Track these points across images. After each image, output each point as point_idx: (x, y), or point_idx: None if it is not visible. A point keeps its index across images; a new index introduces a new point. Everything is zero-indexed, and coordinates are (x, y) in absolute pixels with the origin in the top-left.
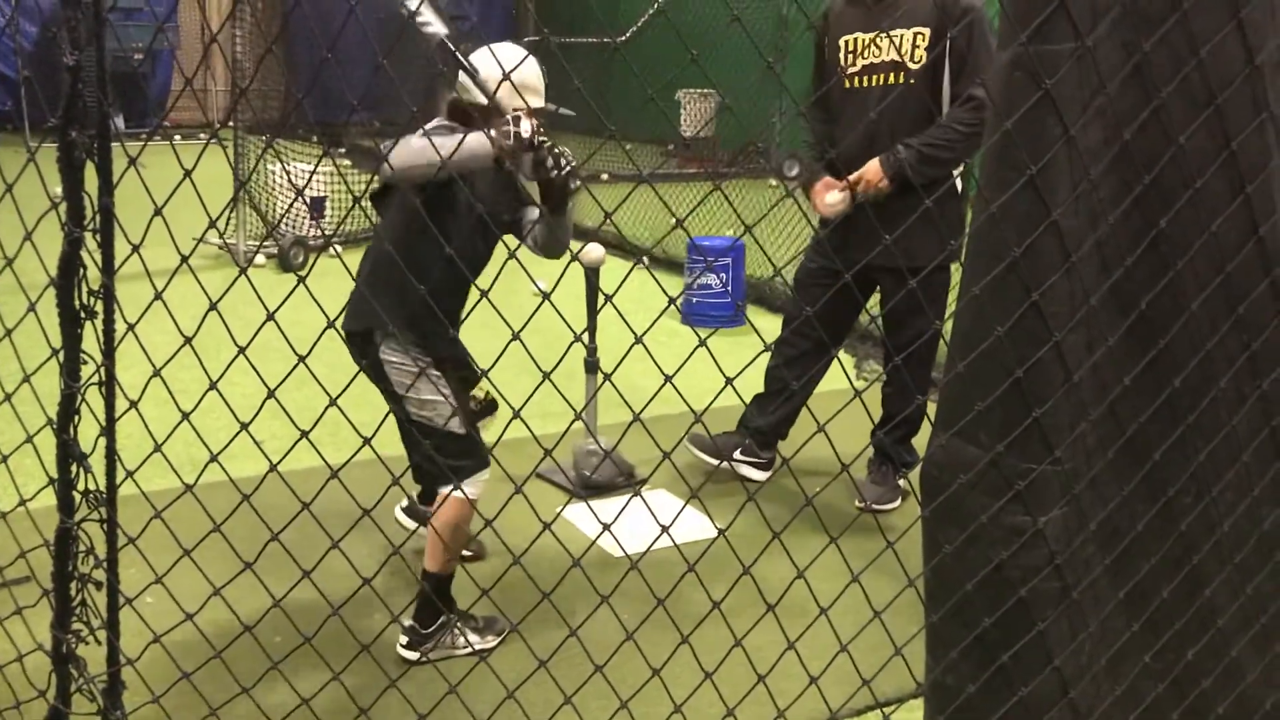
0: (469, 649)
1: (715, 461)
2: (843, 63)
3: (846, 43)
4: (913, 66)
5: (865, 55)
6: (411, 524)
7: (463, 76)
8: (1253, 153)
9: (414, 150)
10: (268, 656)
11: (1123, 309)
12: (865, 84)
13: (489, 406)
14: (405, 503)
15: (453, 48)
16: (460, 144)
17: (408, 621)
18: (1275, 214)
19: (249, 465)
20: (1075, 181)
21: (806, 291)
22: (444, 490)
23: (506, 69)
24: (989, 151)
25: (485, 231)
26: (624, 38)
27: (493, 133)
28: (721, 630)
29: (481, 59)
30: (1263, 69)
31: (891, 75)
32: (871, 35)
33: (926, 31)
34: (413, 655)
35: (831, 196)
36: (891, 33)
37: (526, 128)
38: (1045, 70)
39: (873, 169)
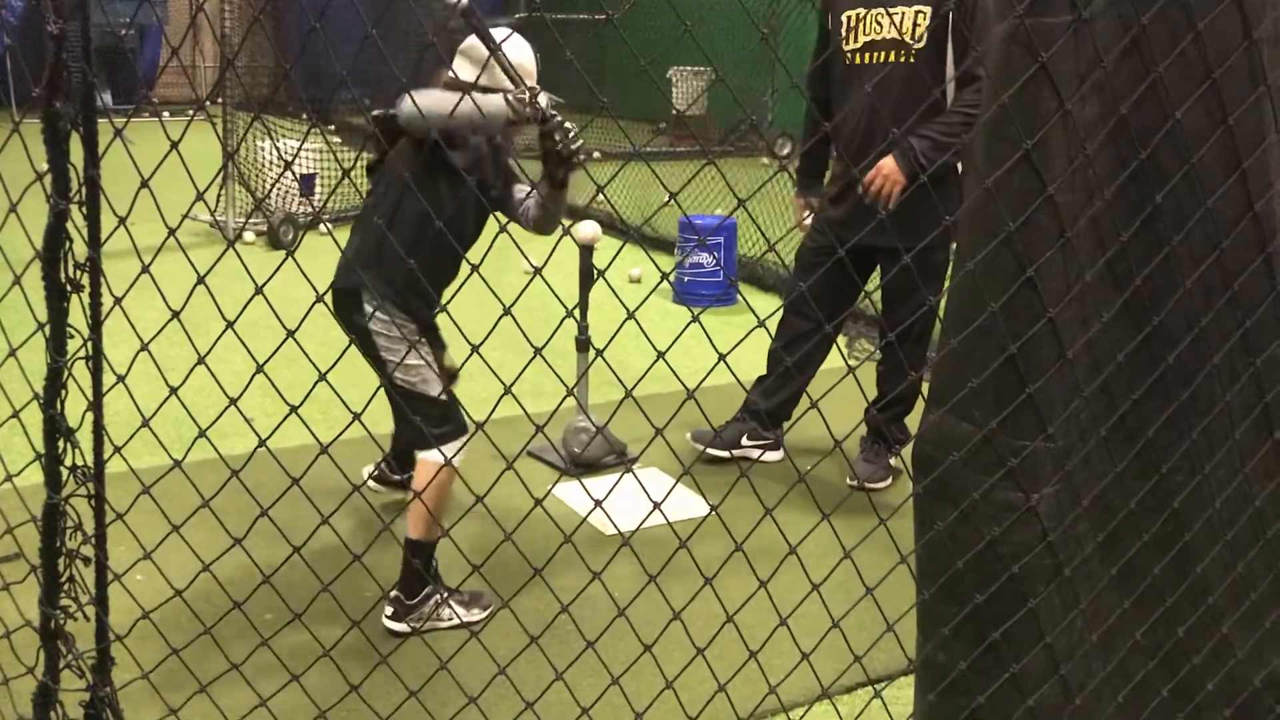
0: (454, 622)
1: (726, 454)
2: (844, 39)
3: (848, 18)
4: (914, 45)
5: (866, 32)
6: (380, 488)
7: (462, 55)
8: (1249, 128)
9: (436, 100)
10: (257, 633)
11: (1117, 285)
12: (866, 60)
13: (450, 376)
14: (373, 469)
15: (476, 21)
16: (479, 103)
17: (393, 593)
18: (1271, 190)
19: (239, 443)
20: (1071, 156)
21: (807, 271)
22: (424, 456)
23: (505, 50)
24: (984, 126)
25: (475, 207)
26: (618, 14)
27: (510, 98)
28: (713, 607)
29: (474, 41)
30: (1260, 44)
31: (892, 53)
32: (873, 12)
33: (928, 10)
34: (398, 626)
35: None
36: (891, 10)
37: (544, 99)
38: (1041, 43)
39: (891, 170)
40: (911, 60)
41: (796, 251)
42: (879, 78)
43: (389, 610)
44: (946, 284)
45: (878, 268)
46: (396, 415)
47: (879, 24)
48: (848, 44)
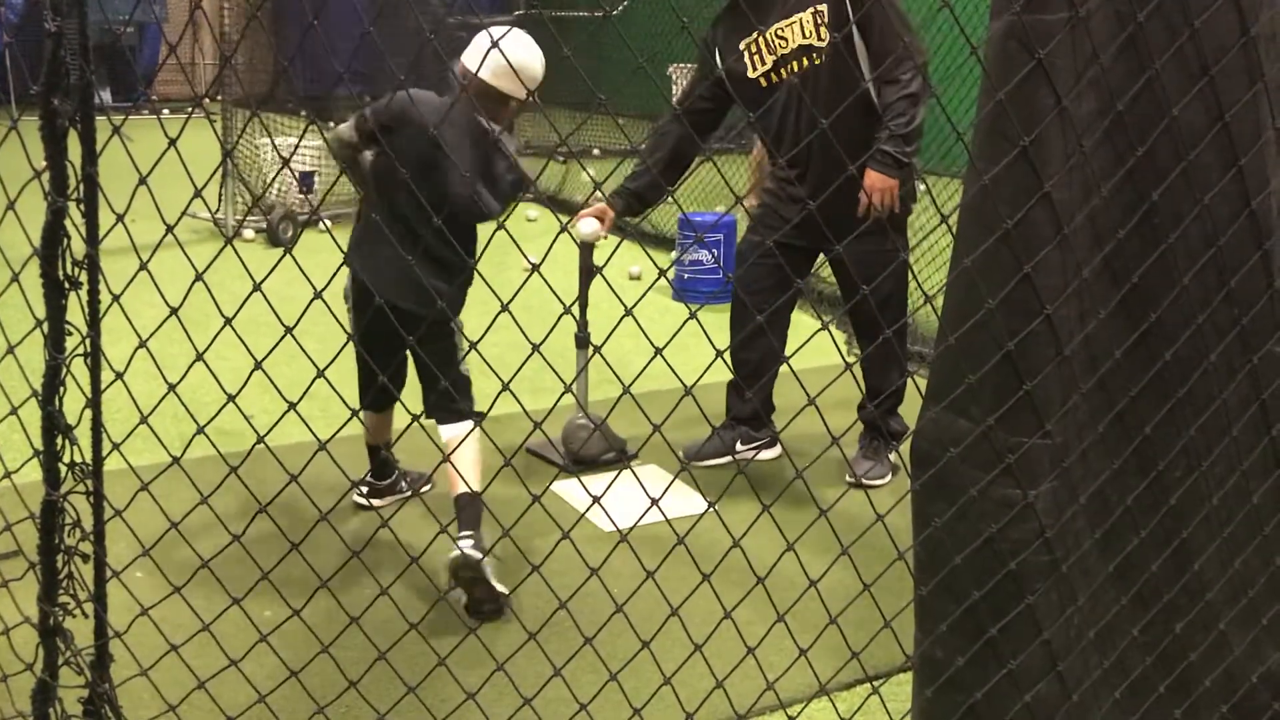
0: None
1: (724, 460)
2: (750, 66)
3: (749, 46)
4: (822, 44)
5: (772, 51)
6: (377, 502)
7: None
8: (1246, 125)
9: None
10: (256, 630)
11: (1115, 282)
12: (782, 77)
13: None
14: (363, 489)
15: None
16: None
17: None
18: (1267, 187)
19: (239, 441)
20: (1068, 153)
21: (751, 266)
22: (458, 429)
23: (505, 53)
24: (981, 122)
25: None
26: (617, 10)
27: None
28: (711, 604)
29: (479, 42)
30: (1256, 40)
31: (805, 60)
32: (770, 32)
33: (824, 8)
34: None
35: (586, 225)
36: (787, 22)
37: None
38: (1038, 40)
39: (880, 183)
40: (825, 59)
41: (738, 246)
42: (800, 88)
43: (473, 547)
44: (926, 277)
45: (820, 259)
46: (431, 392)
47: (781, 39)
48: (756, 70)
